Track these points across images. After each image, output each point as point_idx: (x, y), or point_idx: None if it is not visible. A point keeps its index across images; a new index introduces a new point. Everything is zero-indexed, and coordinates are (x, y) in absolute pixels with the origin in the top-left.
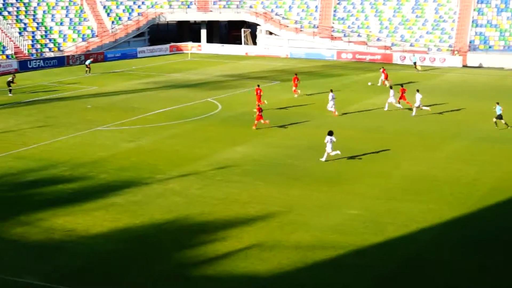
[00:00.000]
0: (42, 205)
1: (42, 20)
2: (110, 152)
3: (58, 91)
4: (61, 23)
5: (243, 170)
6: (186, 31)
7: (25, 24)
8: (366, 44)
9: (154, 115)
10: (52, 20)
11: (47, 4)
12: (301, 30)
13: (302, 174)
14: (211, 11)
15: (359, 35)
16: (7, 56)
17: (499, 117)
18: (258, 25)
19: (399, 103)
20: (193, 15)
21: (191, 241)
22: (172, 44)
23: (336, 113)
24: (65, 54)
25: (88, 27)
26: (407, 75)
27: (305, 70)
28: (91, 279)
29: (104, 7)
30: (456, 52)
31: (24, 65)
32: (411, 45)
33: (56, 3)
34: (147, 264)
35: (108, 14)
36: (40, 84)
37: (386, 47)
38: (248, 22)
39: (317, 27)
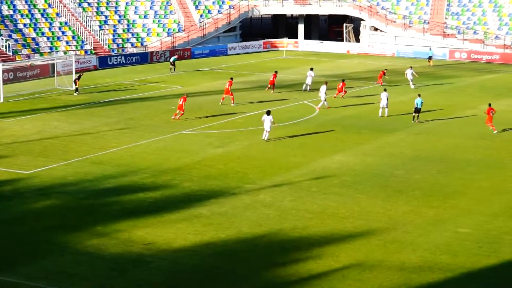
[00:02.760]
0: (120, 215)
1: (125, 12)
2: (195, 158)
3: (140, 91)
4: (145, 16)
5: (341, 181)
6: (282, 26)
7: (106, 17)
8: (483, 42)
9: (244, 118)
10: (135, 12)
11: None
12: (409, 26)
13: (408, 187)
14: (309, 4)
15: (475, 32)
16: (86, 52)
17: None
18: (362, 20)
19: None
20: (289, 8)
21: (282, 259)
22: (266, 40)
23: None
24: (149, 50)
25: (174, 21)
26: None
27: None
28: None
29: None
30: None
31: (103, 62)
32: None
33: None
34: (233, 282)
35: (196, 7)
36: (121, 82)
37: (505, 46)
38: (351, 16)
39: (428, 22)
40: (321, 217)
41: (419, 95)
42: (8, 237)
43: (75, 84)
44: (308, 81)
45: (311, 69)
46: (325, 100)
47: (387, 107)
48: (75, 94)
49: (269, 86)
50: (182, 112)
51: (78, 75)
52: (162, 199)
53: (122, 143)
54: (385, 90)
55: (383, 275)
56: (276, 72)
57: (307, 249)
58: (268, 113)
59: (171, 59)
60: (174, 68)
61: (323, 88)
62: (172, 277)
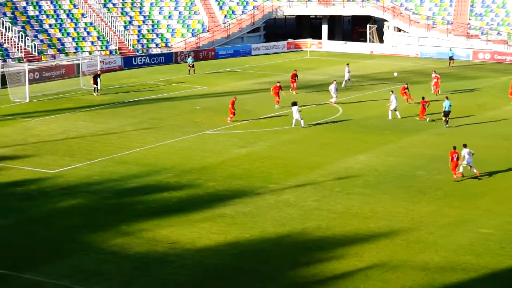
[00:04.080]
0: (145, 214)
1: (149, 13)
2: (219, 158)
3: (164, 91)
4: (169, 17)
5: (364, 181)
6: (306, 26)
7: (130, 17)
8: (507, 43)
9: (268, 118)
10: (160, 13)
11: None
12: (433, 27)
13: (430, 187)
14: (333, 5)
15: (498, 33)
16: (111, 52)
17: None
18: (386, 20)
19: None
20: (313, 9)
21: (306, 258)
22: (290, 41)
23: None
24: (173, 50)
25: (199, 22)
26: None
27: (437, 72)
28: None
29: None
30: None
31: (128, 62)
32: None
33: None
34: (257, 281)
35: (220, 7)
36: (145, 82)
37: None
38: (374, 17)
39: (451, 23)
40: (345, 217)
41: (447, 98)
42: (33, 236)
43: (95, 84)
44: (347, 76)
45: (348, 64)
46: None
47: (396, 110)
48: (94, 94)
49: (291, 86)
50: (231, 116)
51: (94, 75)
52: (187, 198)
53: (146, 142)
54: (392, 91)
55: (406, 276)
56: (295, 70)
57: (331, 249)
58: (294, 104)
59: (189, 61)
60: (193, 70)
61: (333, 86)
62: (196, 277)
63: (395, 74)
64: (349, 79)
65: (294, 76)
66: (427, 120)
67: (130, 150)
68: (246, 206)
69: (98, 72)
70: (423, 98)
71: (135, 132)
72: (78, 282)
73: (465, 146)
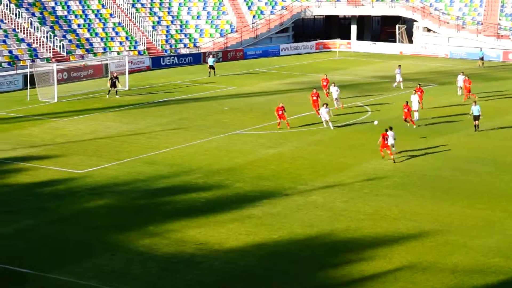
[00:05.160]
0: (172, 215)
1: (178, 13)
2: (247, 158)
3: (192, 91)
4: (197, 17)
5: (393, 183)
6: (334, 27)
7: (159, 17)
8: None
9: (296, 119)
10: (188, 13)
11: None
12: (463, 27)
13: (458, 188)
14: (362, 5)
15: None
16: (139, 52)
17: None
18: (415, 21)
19: None
20: (342, 9)
21: (334, 260)
22: (319, 41)
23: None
24: (201, 50)
25: (227, 22)
26: None
27: (466, 72)
28: None
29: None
30: None
31: (156, 62)
32: None
33: None
34: (285, 283)
35: (249, 8)
36: (174, 83)
37: None
38: (404, 17)
39: (481, 24)
40: (373, 218)
41: (475, 103)
42: (61, 236)
43: (114, 86)
44: (398, 78)
45: (399, 66)
46: (337, 99)
47: (417, 111)
48: (106, 96)
49: (326, 90)
50: (283, 121)
51: (111, 77)
52: (215, 199)
53: (175, 143)
54: (415, 92)
55: (435, 278)
56: (326, 75)
57: (359, 251)
58: (326, 106)
59: (209, 61)
60: (214, 72)
61: (333, 89)
62: (224, 278)
63: (375, 122)
64: (400, 81)
65: (327, 81)
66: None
67: (158, 150)
68: (274, 207)
69: (115, 75)
70: (406, 102)
71: (163, 132)
72: (105, 283)
73: (390, 128)
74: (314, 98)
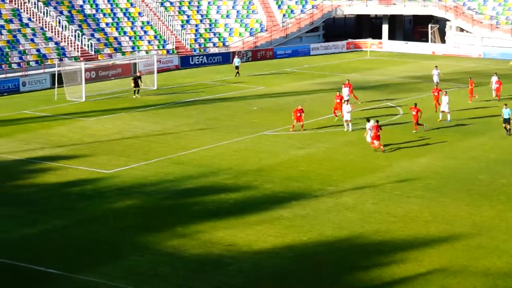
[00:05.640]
0: (201, 216)
1: (207, 12)
2: (277, 159)
3: (221, 91)
4: (227, 16)
5: (424, 185)
6: (366, 26)
7: (188, 16)
8: None
9: (326, 119)
10: (217, 12)
11: None
12: (496, 27)
13: (492, 191)
14: (394, 4)
15: None
16: (168, 51)
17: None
18: (448, 20)
19: None
20: (373, 8)
21: (364, 262)
22: (350, 40)
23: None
24: (231, 50)
25: (257, 21)
26: None
27: (500, 73)
28: None
29: None
30: None
31: (185, 61)
32: None
33: None
34: (314, 285)
35: (279, 6)
36: (202, 82)
37: None
38: (436, 17)
39: None
40: (404, 220)
41: (506, 105)
42: (89, 236)
43: (137, 85)
44: (435, 79)
45: (436, 67)
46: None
47: (448, 112)
48: (133, 96)
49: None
50: (297, 124)
51: (134, 77)
52: (243, 200)
53: (203, 143)
54: (445, 92)
55: (467, 281)
56: (347, 80)
57: (390, 253)
58: (346, 102)
59: (235, 62)
60: (238, 72)
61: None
62: (252, 280)
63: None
64: (437, 82)
65: (350, 87)
66: (425, 128)
67: (186, 150)
68: (304, 209)
69: (138, 74)
70: (415, 104)
71: (191, 132)
72: (133, 284)
73: (368, 120)
74: (338, 100)
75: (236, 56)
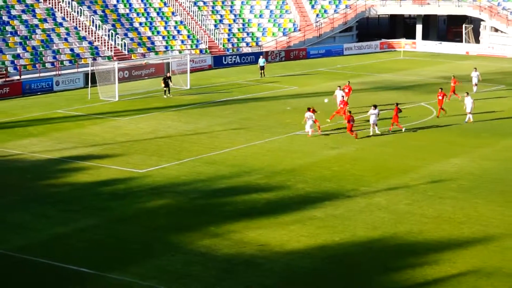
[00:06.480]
0: (233, 215)
1: (240, 12)
2: (310, 159)
3: (254, 91)
4: (260, 16)
5: (458, 186)
6: (399, 26)
7: (221, 16)
8: None
9: (359, 120)
10: (250, 12)
11: None
12: None
13: None
14: (428, 4)
15: None
16: (201, 51)
17: None
18: (482, 20)
19: None
20: (407, 8)
21: (397, 263)
22: (383, 40)
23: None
24: (264, 49)
25: (290, 20)
26: None
27: None
28: None
29: None
30: None
31: (218, 61)
32: None
33: None
34: (346, 286)
35: (312, 6)
36: (235, 82)
37: None
38: (470, 17)
39: None
40: (437, 221)
41: None
42: (121, 235)
43: (167, 85)
44: (474, 81)
45: (475, 69)
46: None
47: (470, 112)
48: (164, 96)
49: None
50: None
51: (164, 77)
52: (276, 200)
53: (236, 143)
54: (467, 94)
55: (500, 283)
56: (348, 82)
57: (423, 254)
58: (375, 107)
59: (260, 63)
60: (263, 73)
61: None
62: (284, 280)
63: (326, 100)
64: (476, 84)
65: (349, 88)
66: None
67: (219, 150)
68: (337, 209)
69: (168, 75)
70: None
71: (224, 132)
72: (165, 283)
73: (309, 109)
74: (440, 97)
75: (261, 57)
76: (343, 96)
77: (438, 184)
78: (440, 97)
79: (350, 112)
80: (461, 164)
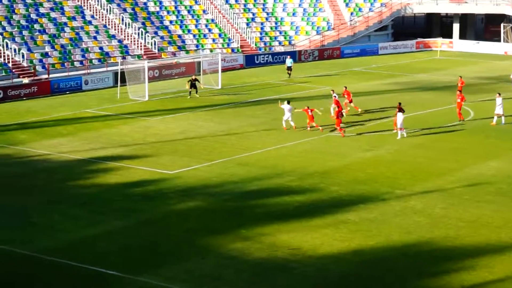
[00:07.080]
0: (265, 218)
1: (273, 10)
2: (343, 161)
3: (286, 91)
4: (293, 14)
5: (496, 189)
6: (436, 25)
7: (253, 14)
8: None
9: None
10: (283, 10)
11: None
12: None
13: None
14: (466, 2)
15: None
16: (233, 50)
17: None
18: None
19: None
20: (444, 6)
21: (432, 268)
22: (419, 40)
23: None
24: (297, 48)
25: (324, 19)
26: None
27: None
28: None
29: None
30: None
31: (250, 60)
32: None
33: None
34: None
35: (347, 4)
36: (267, 82)
37: None
38: (509, 16)
39: None
40: (474, 226)
41: None
42: (151, 238)
43: (194, 86)
44: None
45: None
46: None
47: (503, 115)
48: (189, 97)
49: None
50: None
51: (189, 80)
52: (308, 203)
53: (267, 144)
54: (499, 94)
55: None
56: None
57: (459, 259)
58: (400, 110)
59: (287, 63)
60: (290, 74)
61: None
62: (317, 285)
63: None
64: None
65: (347, 93)
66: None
67: (250, 151)
68: (371, 213)
69: (193, 77)
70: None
71: (256, 133)
72: (195, 287)
73: (288, 102)
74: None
75: (288, 57)
76: (335, 96)
77: (475, 188)
78: (458, 100)
79: (340, 108)
80: (499, 167)
